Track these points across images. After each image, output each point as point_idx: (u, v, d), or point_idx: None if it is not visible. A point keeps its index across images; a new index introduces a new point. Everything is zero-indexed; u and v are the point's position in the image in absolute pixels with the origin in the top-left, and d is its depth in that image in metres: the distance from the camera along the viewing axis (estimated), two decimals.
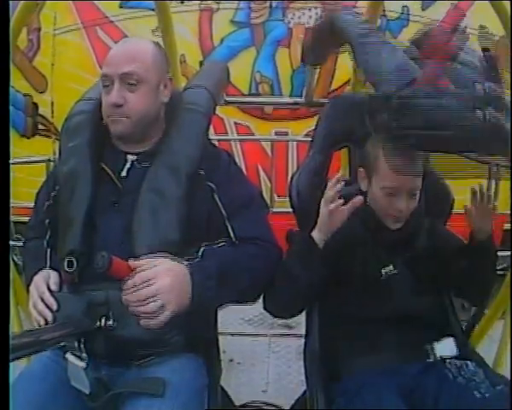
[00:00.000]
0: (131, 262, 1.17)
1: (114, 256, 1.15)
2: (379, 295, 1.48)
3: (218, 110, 1.61)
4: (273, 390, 2.55)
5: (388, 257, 1.51)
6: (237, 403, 2.14)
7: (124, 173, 1.39)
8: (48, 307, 1.31)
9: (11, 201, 1.34)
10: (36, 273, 1.39)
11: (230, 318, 3.24)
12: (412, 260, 1.52)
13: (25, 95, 4.45)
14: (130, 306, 1.15)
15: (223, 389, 1.64)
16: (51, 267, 1.41)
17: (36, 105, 4.49)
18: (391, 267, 1.49)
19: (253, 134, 4.50)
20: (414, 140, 1.19)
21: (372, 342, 1.45)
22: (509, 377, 1.41)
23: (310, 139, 1.84)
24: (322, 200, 1.39)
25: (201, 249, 1.32)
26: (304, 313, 1.65)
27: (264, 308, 1.49)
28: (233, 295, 1.35)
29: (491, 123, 1.15)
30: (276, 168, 4.03)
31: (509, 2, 1.55)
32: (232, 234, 1.39)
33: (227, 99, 2.30)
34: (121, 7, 4.44)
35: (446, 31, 1.32)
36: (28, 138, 4.50)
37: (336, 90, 4.38)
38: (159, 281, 1.15)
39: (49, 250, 1.46)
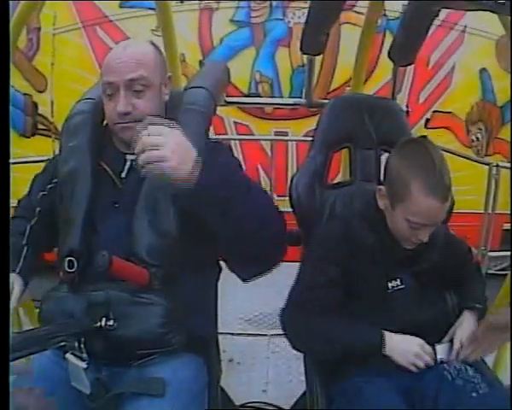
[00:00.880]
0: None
1: (114, 256, 1.15)
2: (385, 308, 1.45)
3: (218, 109, 1.61)
4: (273, 390, 2.55)
5: (396, 271, 1.47)
6: (237, 403, 2.15)
7: (124, 174, 1.39)
8: None
9: (11, 201, 1.34)
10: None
11: (230, 318, 3.24)
12: (419, 274, 1.48)
13: (24, 94, 4.44)
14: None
15: (222, 389, 1.64)
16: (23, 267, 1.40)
17: (35, 104, 4.48)
18: (398, 282, 1.46)
19: (252, 134, 4.50)
20: None
21: None
22: (508, 378, 1.41)
23: (309, 139, 1.84)
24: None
25: None
26: None
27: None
28: None
29: None
30: (275, 168, 4.03)
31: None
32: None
33: (227, 99, 2.30)
34: (121, 6, 4.44)
35: None
36: (28, 138, 4.50)
37: (336, 89, 4.39)
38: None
39: (28, 230, 1.46)
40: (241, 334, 3.14)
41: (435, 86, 4.54)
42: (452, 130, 4.55)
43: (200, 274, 1.39)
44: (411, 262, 1.48)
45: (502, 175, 3.07)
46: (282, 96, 4.43)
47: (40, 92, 4.45)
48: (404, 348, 1.39)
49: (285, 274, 1.43)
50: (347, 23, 4.17)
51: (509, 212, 2.77)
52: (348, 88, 3.15)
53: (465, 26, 4.41)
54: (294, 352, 1.56)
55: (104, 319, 1.24)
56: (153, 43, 1.46)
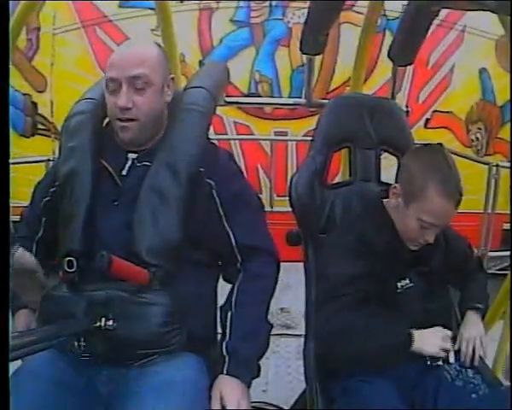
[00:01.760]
0: None
1: (114, 256, 1.14)
2: (395, 307, 1.47)
3: (218, 109, 1.62)
4: (273, 390, 2.55)
5: (404, 271, 1.49)
6: None
7: (124, 172, 1.39)
8: None
9: (11, 201, 1.34)
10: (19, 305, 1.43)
11: None
12: (427, 273, 1.51)
13: (24, 94, 4.44)
14: None
15: None
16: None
17: (35, 104, 4.48)
18: (407, 281, 1.48)
19: (252, 134, 4.50)
20: None
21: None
22: (508, 378, 1.41)
23: (309, 139, 1.84)
24: None
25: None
26: (303, 314, 1.65)
27: None
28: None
29: None
30: (275, 168, 4.04)
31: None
32: (233, 240, 1.39)
33: (226, 99, 2.30)
34: (121, 6, 4.44)
35: None
36: (27, 138, 4.50)
37: (336, 89, 4.39)
38: None
39: (34, 251, 1.46)
40: None
41: (435, 86, 4.55)
42: (452, 130, 4.55)
43: (200, 274, 1.39)
44: (419, 262, 1.50)
45: (501, 175, 3.07)
46: (281, 96, 4.44)
47: (40, 92, 4.45)
48: (431, 338, 1.42)
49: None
50: (347, 23, 4.17)
51: (508, 211, 2.77)
52: (348, 88, 3.15)
53: (464, 26, 4.42)
54: (294, 352, 1.56)
55: (104, 319, 1.24)
56: (158, 45, 1.48)
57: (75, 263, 1.30)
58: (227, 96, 2.31)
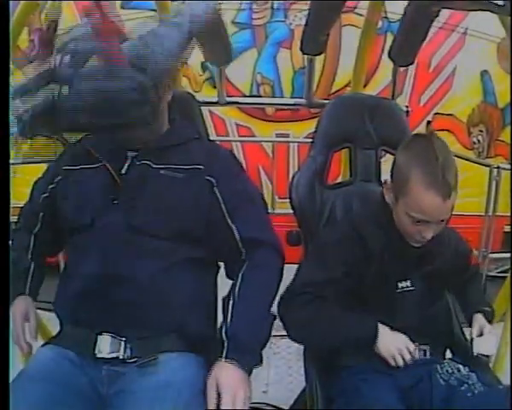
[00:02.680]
0: None
1: None
2: (392, 307, 1.45)
3: (220, 111, 1.62)
4: (273, 391, 2.54)
5: (406, 271, 1.47)
6: None
7: (124, 170, 1.39)
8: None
9: (11, 201, 1.34)
10: (17, 292, 1.44)
11: None
12: (429, 275, 1.48)
13: None
14: None
15: None
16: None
17: None
18: (408, 283, 1.46)
19: (254, 135, 4.50)
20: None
21: None
22: (508, 378, 1.41)
23: (311, 141, 1.84)
24: None
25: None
26: None
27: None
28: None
29: None
30: (277, 170, 4.02)
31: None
32: (237, 235, 1.38)
33: (228, 99, 2.30)
34: (122, 8, 4.44)
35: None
36: (28, 138, 4.50)
37: (337, 92, 4.39)
38: None
39: (32, 242, 1.50)
40: None
41: (436, 89, 4.54)
42: (453, 132, 4.54)
43: (200, 273, 1.39)
44: (422, 263, 1.47)
45: (503, 177, 3.06)
46: (283, 98, 4.43)
47: None
48: (389, 340, 1.38)
49: (285, 274, 1.42)
50: (349, 25, 4.17)
51: (509, 214, 2.76)
52: (348, 88, 3.15)
53: (466, 29, 4.41)
54: (295, 352, 1.56)
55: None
56: None
57: None
58: (228, 97, 2.31)
